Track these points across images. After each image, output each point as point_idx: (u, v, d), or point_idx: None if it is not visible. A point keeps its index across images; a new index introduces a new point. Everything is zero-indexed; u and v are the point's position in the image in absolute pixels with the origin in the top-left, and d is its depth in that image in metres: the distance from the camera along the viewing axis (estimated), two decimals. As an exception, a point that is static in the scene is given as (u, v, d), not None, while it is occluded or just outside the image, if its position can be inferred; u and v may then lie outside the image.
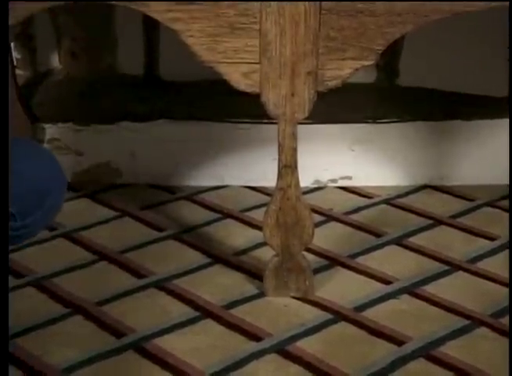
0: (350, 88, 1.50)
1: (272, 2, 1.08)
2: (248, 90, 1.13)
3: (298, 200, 1.19)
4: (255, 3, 1.08)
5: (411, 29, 1.09)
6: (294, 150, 1.16)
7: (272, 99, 1.14)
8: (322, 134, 1.59)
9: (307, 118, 1.16)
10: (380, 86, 1.58)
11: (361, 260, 1.35)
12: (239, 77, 1.13)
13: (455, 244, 1.40)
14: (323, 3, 1.08)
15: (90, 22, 1.56)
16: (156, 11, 1.09)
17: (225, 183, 1.63)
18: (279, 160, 1.17)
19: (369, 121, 1.59)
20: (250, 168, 1.62)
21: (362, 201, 1.57)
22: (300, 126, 1.16)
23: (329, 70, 1.12)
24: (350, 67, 1.11)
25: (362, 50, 1.10)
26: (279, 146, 1.16)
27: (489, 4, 1.09)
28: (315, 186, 1.63)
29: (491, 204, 1.55)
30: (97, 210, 1.53)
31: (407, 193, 1.59)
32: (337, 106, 1.55)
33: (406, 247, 1.39)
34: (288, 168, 1.17)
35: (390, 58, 1.55)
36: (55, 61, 1.59)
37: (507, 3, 1.09)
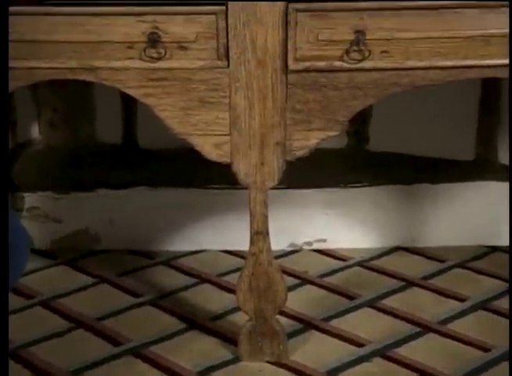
0: (322, 154, 1.55)
1: (241, 78, 1.13)
2: (219, 160, 1.17)
3: (270, 264, 1.21)
4: (225, 79, 1.13)
5: (374, 101, 1.14)
6: (265, 216, 1.20)
7: (242, 169, 1.18)
8: (297, 198, 1.63)
9: (281, 183, 1.20)
10: (350, 152, 1.62)
11: (335, 323, 1.37)
12: (210, 148, 1.17)
13: (426, 305, 1.43)
14: (289, 77, 1.13)
15: (69, 93, 1.60)
16: (129, 87, 1.14)
17: (202, 248, 1.66)
18: (251, 226, 1.20)
19: (341, 185, 1.63)
20: (226, 233, 1.65)
21: (337, 264, 1.60)
22: (275, 191, 1.20)
23: (297, 141, 1.16)
24: (316, 138, 1.16)
25: (327, 121, 1.15)
26: (251, 213, 1.19)
27: (448, 77, 1.14)
28: (291, 248, 1.66)
29: (461, 265, 1.58)
30: (75, 277, 1.55)
31: (380, 256, 1.63)
32: (310, 171, 1.59)
33: (379, 309, 1.42)
34: (260, 234, 1.20)
35: (359, 124, 1.60)
36: (35, 132, 1.62)
37: (466, 77, 1.14)
